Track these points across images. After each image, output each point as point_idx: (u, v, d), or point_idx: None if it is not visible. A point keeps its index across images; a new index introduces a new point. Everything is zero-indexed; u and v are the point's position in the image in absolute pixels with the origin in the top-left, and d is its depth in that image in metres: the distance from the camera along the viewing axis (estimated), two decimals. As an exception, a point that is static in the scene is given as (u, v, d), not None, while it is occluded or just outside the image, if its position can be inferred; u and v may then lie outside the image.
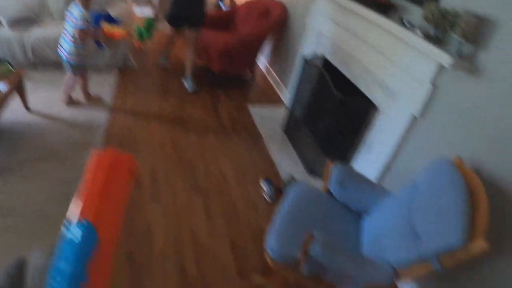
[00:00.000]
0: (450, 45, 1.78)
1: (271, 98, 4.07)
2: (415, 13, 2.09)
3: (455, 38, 1.70)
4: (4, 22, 3.55)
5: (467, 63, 1.71)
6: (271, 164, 3.01)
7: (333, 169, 1.96)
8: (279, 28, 4.07)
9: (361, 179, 2.00)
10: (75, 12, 2.65)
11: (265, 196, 2.62)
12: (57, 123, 2.91)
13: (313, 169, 2.92)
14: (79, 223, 0.98)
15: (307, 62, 3.11)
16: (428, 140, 2.02)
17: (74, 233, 0.96)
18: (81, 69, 2.96)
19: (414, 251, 1.41)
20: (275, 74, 4.37)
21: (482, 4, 1.66)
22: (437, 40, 1.83)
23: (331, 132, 2.86)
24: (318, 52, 3.12)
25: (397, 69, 2.21)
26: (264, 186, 2.66)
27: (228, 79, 4.20)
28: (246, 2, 4.30)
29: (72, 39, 2.74)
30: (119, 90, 3.56)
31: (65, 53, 2.79)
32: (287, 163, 3.05)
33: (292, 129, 3.40)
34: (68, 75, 2.97)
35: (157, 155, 2.82)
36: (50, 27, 3.69)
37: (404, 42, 2.06)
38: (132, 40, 3.63)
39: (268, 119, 3.63)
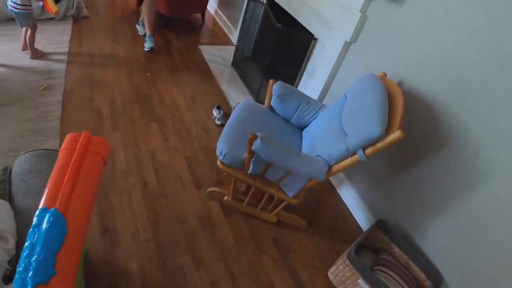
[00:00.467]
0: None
1: (221, 39, 4.13)
2: None
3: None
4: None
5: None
6: (221, 94, 3.17)
7: (274, 85, 2.15)
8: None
9: (300, 94, 2.21)
10: None
11: (215, 120, 2.81)
12: (18, 71, 2.80)
13: (259, 97, 3.13)
14: (47, 209, 0.88)
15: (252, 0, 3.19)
16: (359, 63, 2.27)
17: (41, 220, 0.86)
18: (30, 18, 2.82)
19: (342, 146, 1.68)
20: (224, 17, 4.39)
21: None
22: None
23: (275, 63, 3.05)
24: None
25: (332, 2, 2.40)
26: (215, 112, 2.84)
27: (178, 23, 4.17)
28: None
29: None
30: (74, 36, 3.45)
31: (13, 4, 2.65)
32: (236, 93, 3.23)
33: (240, 63, 3.54)
34: (23, 29, 2.85)
35: (114, 90, 2.87)
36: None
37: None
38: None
39: (218, 57, 3.73)
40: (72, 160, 1.01)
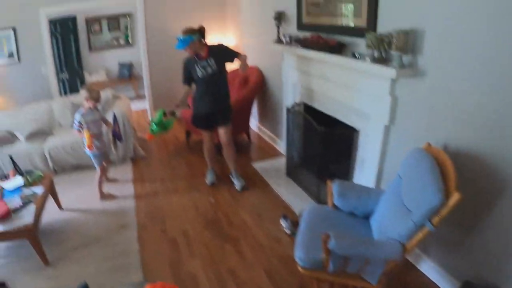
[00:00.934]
0: (394, 61, 2.22)
1: (270, 152, 4.48)
2: (362, 45, 2.57)
3: (394, 53, 2.17)
4: (22, 138, 4.08)
5: (409, 70, 2.16)
6: (284, 204, 3.33)
7: (333, 185, 2.30)
8: (261, 90, 4.62)
9: (358, 187, 2.34)
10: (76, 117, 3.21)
11: (285, 230, 2.91)
12: (91, 214, 3.27)
13: (319, 199, 3.23)
14: None
15: (289, 111, 3.58)
16: (403, 140, 2.39)
17: None
18: (101, 158, 3.41)
19: (410, 222, 1.70)
20: (267, 131, 4.84)
21: (407, 21, 2.15)
22: (382, 60, 2.28)
23: (326, 163, 3.24)
24: (297, 100, 3.61)
25: (362, 94, 2.66)
26: (283, 223, 2.96)
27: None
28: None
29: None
30: (136, 177, 4.00)
31: (84, 147, 3.29)
32: (297, 200, 3.37)
33: (293, 171, 3.76)
34: (97, 172, 3.43)
35: (184, 219, 3.17)
36: (61, 134, 4.22)
37: (359, 71, 2.54)
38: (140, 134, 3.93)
39: (272, 170, 4.00)
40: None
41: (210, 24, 5.29)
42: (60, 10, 5.11)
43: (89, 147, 3.20)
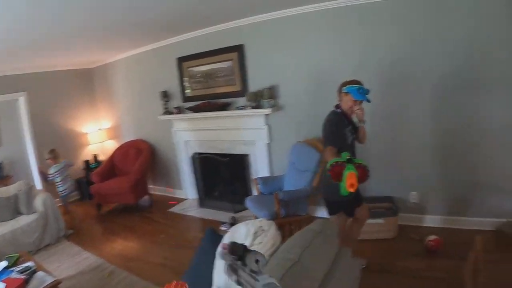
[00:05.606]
0: (265, 105, 3.99)
1: (175, 201, 5.49)
2: (240, 101, 4.28)
3: (265, 101, 3.94)
4: None
5: (275, 108, 3.98)
6: (211, 223, 4.51)
7: (258, 180, 3.81)
8: (152, 157, 5.66)
9: (271, 178, 3.94)
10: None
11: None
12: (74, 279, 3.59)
13: (234, 209, 4.58)
14: None
15: (193, 159, 4.91)
16: (279, 146, 4.17)
17: None
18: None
19: (309, 174, 3.40)
20: (164, 188, 5.79)
21: (267, 82, 4.01)
22: (258, 106, 4.04)
23: (231, 184, 4.71)
24: (194, 151, 4.98)
25: (247, 130, 4.35)
26: (224, 227, 4.16)
27: (139, 208, 5.34)
28: (117, 149, 5.75)
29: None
30: (83, 245, 4.32)
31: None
32: (218, 216, 4.60)
33: (205, 202, 4.99)
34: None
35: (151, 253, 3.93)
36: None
37: (243, 116, 4.21)
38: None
39: (186, 209, 5.00)
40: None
41: (82, 111, 6.07)
42: None
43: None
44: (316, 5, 3.58)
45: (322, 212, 3.96)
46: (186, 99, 4.88)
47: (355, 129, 2.67)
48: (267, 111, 3.96)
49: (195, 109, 4.58)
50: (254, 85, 4.17)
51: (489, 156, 3.23)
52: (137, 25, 3.73)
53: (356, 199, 2.71)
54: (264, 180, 3.87)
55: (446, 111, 3.32)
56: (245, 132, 4.39)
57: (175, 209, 5.16)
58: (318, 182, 3.36)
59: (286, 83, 3.98)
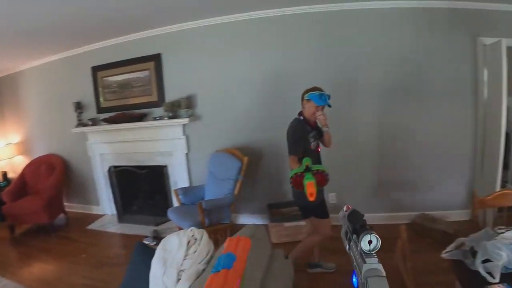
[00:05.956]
0: (183, 115, 3.98)
1: (92, 218, 5.06)
2: (158, 111, 4.21)
3: (183, 110, 3.92)
4: None
5: (193, 117, 3.98)
6: (134, 237, 4.33)
7: (178, 191, 3.75)
8: (67, 171, 5.25)
9: (190, 188, 3.92)
10: None
11: (151, 244, 4.00)
12: None
13: (156, 222, 4.47)
14: (230, 253, 1.65)
15: (110, 172, 4.69)
16: (198, 156, 4.18)
17: (228, 255, 1.62)
18: None
19: (231, 182, 3.47)
20: (79, 205, 5.38)
21: (185, 92, 4.01)
22: (176, 116, 4.01)
23: (150, 196, 4.58)
24: (110, 164, 4.76)
25: (164, 141, 4.29)
26: (147, 241, 4.00)
27: (49, 230, 4.94)
28: (28, 165, 5.21)
29: None
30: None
31: None
32: (140, 230, 4.43)
33: (124, 217, 4.78)
34: None
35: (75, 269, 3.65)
36: None
37: (160, 126, 4.14)
38: None
39: (105, 225, 4.74)
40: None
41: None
42: None
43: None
44: (233, 15, 3.75)
45: (244, 219, 4.04)
46: (101, 110, 4.64)
47: (320, 134, 2.72)
48: (184, 121, 3.95)
49: (110, 121, 4.40)
50: (171, 95, 4.14)
51: (410, 159, 3.76)
52: (51, 31, 3.53)
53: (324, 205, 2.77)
54: (184, 190, 3.85)
55: (377, 121, 3.79)
56: (163, 143, 4.32)
57: (94, 226, 4.86)
58: (239, 190, 3.49)
59: (203, 93, 4.03)
